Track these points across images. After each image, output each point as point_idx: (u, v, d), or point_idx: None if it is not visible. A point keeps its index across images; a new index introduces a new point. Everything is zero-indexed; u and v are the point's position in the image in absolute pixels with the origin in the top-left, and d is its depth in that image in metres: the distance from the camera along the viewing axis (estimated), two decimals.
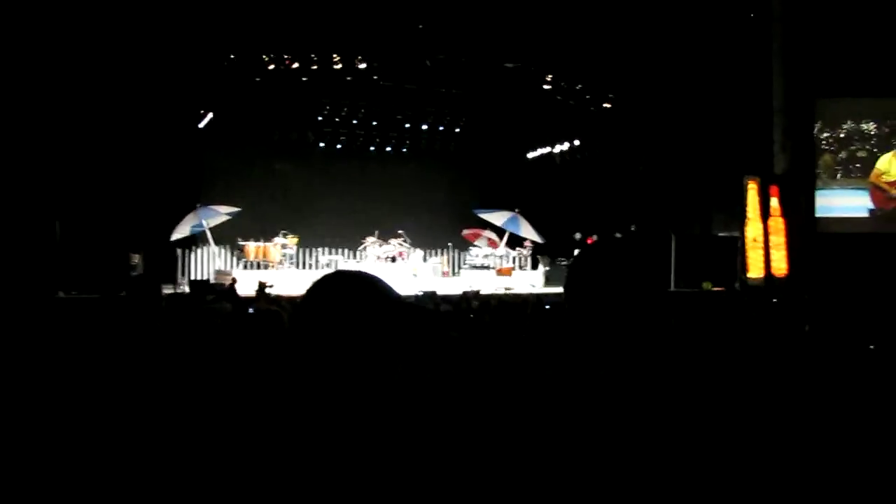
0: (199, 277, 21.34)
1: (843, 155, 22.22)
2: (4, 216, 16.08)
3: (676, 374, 1.99)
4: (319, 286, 2.00)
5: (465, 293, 15.43)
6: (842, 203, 21.99)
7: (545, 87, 22.78)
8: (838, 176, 22.20)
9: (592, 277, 2.09)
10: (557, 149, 27.17)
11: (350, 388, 1.86)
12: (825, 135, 22.18)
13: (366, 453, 1.80)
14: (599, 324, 2.04)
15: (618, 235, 23.99)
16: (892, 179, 22.01)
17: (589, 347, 2.04)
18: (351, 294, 1.96)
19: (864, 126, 22.16)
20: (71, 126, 18.37)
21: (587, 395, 1.96)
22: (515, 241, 25.11)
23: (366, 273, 2.10)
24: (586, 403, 1.94)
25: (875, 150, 22.17)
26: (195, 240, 22.16)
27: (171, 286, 19.43)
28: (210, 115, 22.44)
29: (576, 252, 25.03)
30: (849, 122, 22.21)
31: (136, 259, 19.19)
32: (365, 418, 1.85)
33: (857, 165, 22.20)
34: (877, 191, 22.03)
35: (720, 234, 21.97)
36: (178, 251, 21.13)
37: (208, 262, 22.44)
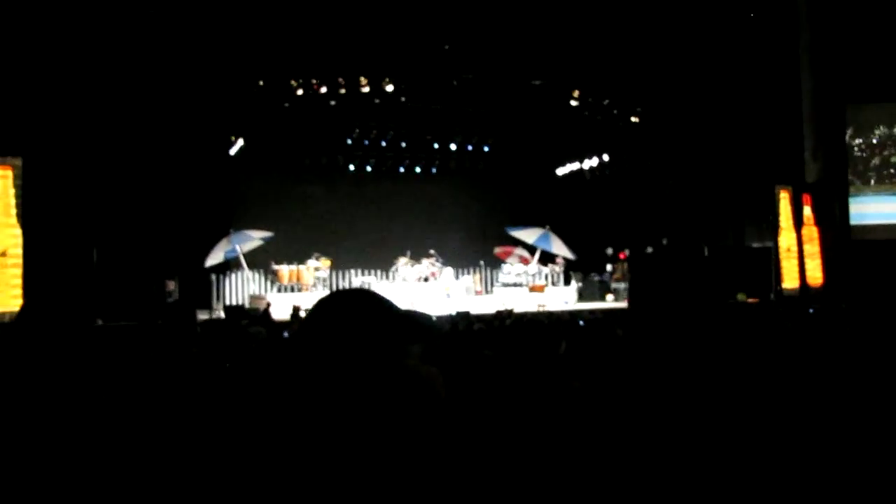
0: (233, 302, 21.46)
1: (875, 161, 22.02)
2: (43, 243, 16.28)
3: (729, 383, 2.00)
4: (322, 304, 2.04)
5: (498, 312, 15.41)
6: (877, 210, 21.77)
7: (572, 102, 22.76)
8: (872, 182, 21.99)
9: (658, 288, 2.11)
10: (587, 164, 27.12)
11: (353, 400, 1.89)
12: (857, 141, 21.99)
13: (371, 464, 1.83)
14: (664, 334, 2.05)
15: (649, 250, 23.87)
16: None
17: (651, 360, 2.05)
18: (352, 309, 1.99)
19: None
20: (106, 153, 18.60)
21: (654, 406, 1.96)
22: (547, 258, 25.05)
23: (367, 289, 2.11)
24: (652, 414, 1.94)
25: None
26: (229, 265, 22.31)
27: (206, 312, 19.58)
28: (241, 142, 22.65)
29: (610, 267, 25.01)
30: (881, 127, 22.03)
31: (171, 285, 19.35)
32: (367, 429, 1.87)
33: (891, 171, 21.99)
34: None
35: (753, 245, 21.79)
36: (213, 277, 21.30)
37: (243, 287, 22.57)
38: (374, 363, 1.94)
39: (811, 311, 12.64)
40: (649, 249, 23.75)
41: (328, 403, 1.90)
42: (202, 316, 17.70)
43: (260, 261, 22.62)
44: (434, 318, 3.60)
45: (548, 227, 24.75)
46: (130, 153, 19.24)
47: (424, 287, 22.92)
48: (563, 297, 23.71)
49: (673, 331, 2.03)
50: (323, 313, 2.01)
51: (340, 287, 23.81)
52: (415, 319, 2.06)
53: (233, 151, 22.79)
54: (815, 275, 20.48)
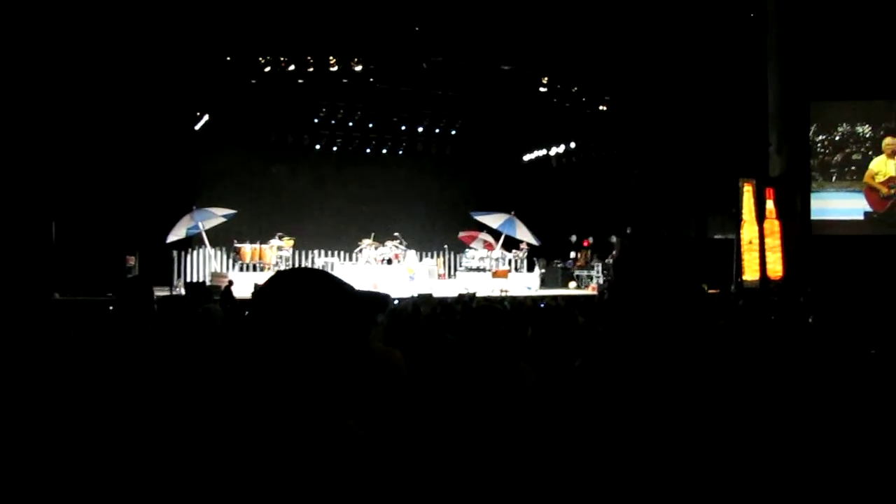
0: (195, 279, 21.26)
1: (837, 157, 22.29)
2: (0, 217, 16.02)
3: (710, 373, 1.98)
4: (272, 282, 2.01)
5: (461, 295, 15.37)
6: (837, 206, 22.09)
7: (541, 89, 22.77)
8: (833, 178, 22.28)
9: (639, 276, 2.08)
10: (553, 151, 27.18)
11: (312, 380, 1.87)
12: (820, 137, 22.25)
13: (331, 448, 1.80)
14: (644, 322, 2.02)
15: (613, 239, 23.99)
16: (884, 179, 22.12)
17: (629, 348, 2.02)
18: (304, 288, 1.96)
19: (859, 129, 22.26)
20: (67, 128, 18.31)
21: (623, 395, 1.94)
22: (511, 244, 25.07)
23: (318, 269, 2.09)
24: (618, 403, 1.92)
25: (870, 152, 22.28)
26: (191, 242, 22.10)
27: (167, 288, 19.37)
28: (206, 118, 22.40)
29: (573, 254, 25.11)
30: (843, 125, 22.31)
31: (132, 261, 19.13)
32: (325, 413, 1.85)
33: (852, 168, 22.29)
34: (871, 192, 22.15)
35: (716, 237, 21.97)
36: (175, 253, 21.06)
37: (204, 264, 22.36)
38: (333, 344, 1.90)
39: (774, 299, 12.76)
40: (613, 238, 23.88)
41: (287, 383, 1.86)
42: (162, 293, 17.51)
43: (222, 238, 22.42)
44: (391, 298, 3.59)
45: (512, 212, 24.77)
46: (93, 127, 18.96)
47: (388, 269, 22.86)
48: (526, 283, 23.76)
49: (660, 320, 2.00)
50: (275, 292, 1.97)
51: (299, 267, 23.72)
52: (370, 299, 2.04)
53: (198, 127, 22.55)
54: (776, 268, 20.69)
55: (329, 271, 2.09)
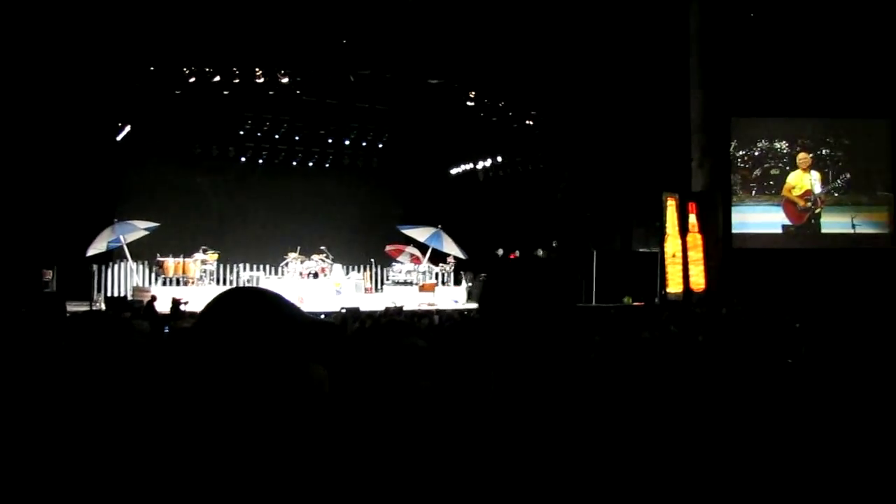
0: (116, 294, 20.81)
1: (757, 172, 22.87)
2: None
3: (592, 385, 1.97)
4: (218, 303, 1.99)
5: (387, 309, 15.33)
6: (757, 219, 22.67)
7: (468, 103, 22.87)
8: (753, 192, 22.86)
9: (504, 293, 2.06)
10: (480, 165, 27.33)
11: (245, 402, 1.86)
12: (741, 153, 22.82)
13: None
14: (510, 338, 2.00)
15: (539, 252, 24.17)
16: (800, 193, 22.79)
17: (499, 360, 2.00)
18: (251, 310, 1.94)
19: (777, 145, 22.90)
20: None
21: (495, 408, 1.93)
22: (438, 257, 25.09)
23: (267, 290, 2.06)
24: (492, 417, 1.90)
25: (787, 167, 22.94)
26: (112, 255, 21.61)
27: (86, 303, 18.89)
28: (128, 128, 21.93)
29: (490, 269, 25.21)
30: (762, 141, 22.93)
31: (48, 275, 18.62)
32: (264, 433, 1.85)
33: (771, 182, 22.91)
34: (789, 204, 22.81)
35: (640, 250, 22.30)
36: (94, 267, 20.56)
37: (126, 279, 21.89)
38: (268, 365, 1.89)
39: (697, 311, 12.99)
40: (540, 252, 24.05)
41: (211, 403, 1.84)
42: (81, 307, 17.06)
43: (145, 252, 21.97)
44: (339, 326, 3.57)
45: (439, 226, 24.79)
46: (9, 135, 18.42)
47: (314, 283, 22.68)
48: (453, 297, 23.78)
49: (520, 335, 1.99)
50: (223, 312, 1.95)
51: (230, 281, 23.42)
52: (322, 327, 2.03)
53: (119, 137, 22.06)
54: (698, 280, 21.06)
55: (279, 294, 2.05)
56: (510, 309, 1.99)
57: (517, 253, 25.37)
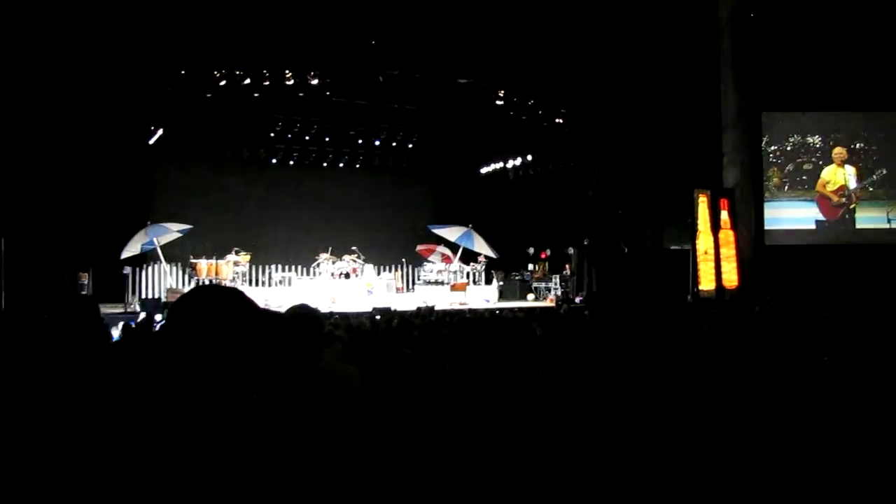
0: (150, 296, 20.99)
1: (790, 167, 22.63)
2: None
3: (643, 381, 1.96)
4: (185, 300, 2.07)
5: (419, 309, 15.33)
6: (790, 215, 22.43)
7: (498, 102, 22.81)
8: (786, 188, 22.62)
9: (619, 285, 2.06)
10: (510, 164, 27.26)
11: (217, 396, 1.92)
12: (773, 148, 22.59)
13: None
14: (625, 332, 2.00)
15: (571, 250, 24.09)
16: (835, 188, 22.51)
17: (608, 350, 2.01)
18: (215, 306, 2.02)
19: (810, 139, 22.63)
20: (17, 142, 17.96)
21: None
22: (469, 257, 25.07)
23: (230, 287, 2.14)
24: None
25: (821, 162, 22.67)
26: (146, 258, 21.81)
27: (121, 305, 19.07)
28: (161, 132, 22.14)
29: (531, 266, 25.15)
30: (795, 136, 22.68)
31: (84, 278, 18.83)
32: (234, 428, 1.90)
33: (804, 177, 22.66)
34: (823, 200, 22.55)
35: (672, 247, 22.13)
36: (129, 269, 20.76)
37: (160, 281, 22.08)
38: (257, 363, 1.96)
39: (728, 308, 12.86)
40: (570, 250, 23.96)
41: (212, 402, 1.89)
42: (116, 310, 17.24)
43: (178, 254, 22.16)
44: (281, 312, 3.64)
45: (470, 225, 24.79)
46: (45, 140, 18.62)
47: (346, 284, 22.74)
48: (485, 296, 23.75)
49: (639, 327, 1.99)
50: (187, 310, 2.03)
51: (262, 283, 23.54)
52: (271, 316, 2.09)
53: (152, 141, 22.28)
54: (731, 277, 20.87)
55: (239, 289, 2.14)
56: (626, 301, 1.99)
57: (548, 251, 25.33)
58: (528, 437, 1.94)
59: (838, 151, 22.58)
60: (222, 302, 2.02)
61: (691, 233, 20.95)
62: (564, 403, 1.98)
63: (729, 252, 20.96)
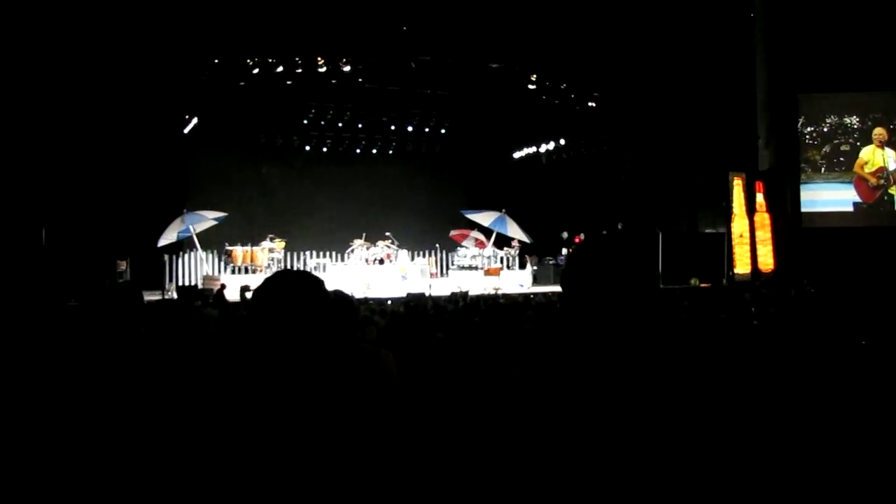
0: (187, 283, 21.22)
1: (826, 149, 22.36)
2: None
3: (671, 367, 1.98)
4: (268, 285, 2.20)
5: (453, 294, 15.40)
6: (826, 197, 22.15)
7: (530, 86, 22.75)
8: (822, 170, 22.35)
9: (587, 274, 2.07)
10: (543, 148, 27.18)
11: (305, 381, 2.05)
12: (808, 129, 22.32)
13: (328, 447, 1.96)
14: (593, 320, 2.01)
15: (604, 233, 23.99)
16: (873, 169, 22.19)
17: (583, 344, 2.02)
18: (298, 291, 2.16)
19: (847, 120, 22.31)
20: (56, 133, 18.23)
21: (581, 391, 1.94)
22: (503, 241, 25.06)
23: (309, 273, 2.30)
24: (580, 400, 1.92)
25: (858, 143, 22.34)
26: (182, 245, 22.04)
27: (158, 292, 19.31)
28: (195, 121, 22.33)
29: (565, 251, 25.10)
30: (831, 117, 22.36)
31: (123, 265, 19.09)
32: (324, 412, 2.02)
33: (841, 159, 22.37)
34: (860, 182, 22.23)
35: (707, 231, 22.00)
36: (166, 257, 21.01)
37: (196, 268, 22.30)
38: (325, 345, 2.08)
39: (763, 292, 12.80)
40: (604, 233, 23.88)
41: (282, 385, 1.99)
42: (154, 297, 17.46)
43: (213, 241, 22.35)
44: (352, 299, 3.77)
45: (504, 210, 24.77)
46: (82, 131, 18.88)
47: (380, 269, 22.83)
48: (519, 281, 23.76)
49: (604, 317, 2.00)
50: (268, 296, 2.15)
51: (297, 269, 23.68)
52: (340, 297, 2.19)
53: (187, 130, 22.48)
54: (767, 261, 20.74)
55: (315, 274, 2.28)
56: (595, 288, 2.01)
57: (581, 236, 25.25)
58: (555, 424, 1.98)
59: (878, 132, 22.23)
60: (303, 288, 2.14)
61: (726, 216, 20.83)
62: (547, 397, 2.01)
63: (765, 235, 20.83)
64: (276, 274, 2.28)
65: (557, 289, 21.87)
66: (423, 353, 4.80)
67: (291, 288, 2.17)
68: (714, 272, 20.46)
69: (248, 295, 11.43)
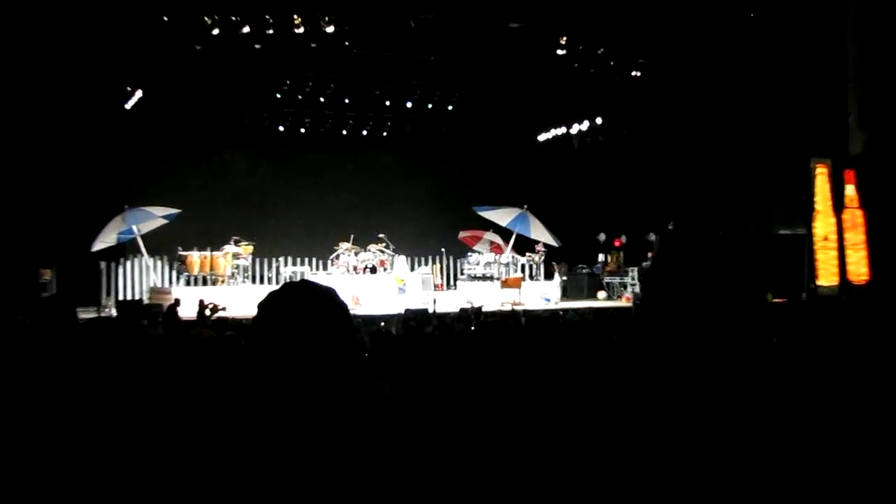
0: (129, 297, 21.23)
1: None
2: None
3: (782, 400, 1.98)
4: (275, 298, 2.34)
5: (463, 310, 15.36)
6: None
7: (559, 52, 22.69)
8: None
9: (682, 281, 2.05)
10: (575, 129, 27.15)
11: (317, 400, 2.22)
12: None
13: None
14: (685, 339, 2.00)
15: (652, 237, 23.96)
16: None
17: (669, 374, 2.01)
18: (310, 306, 2.31)
19: None
20: None
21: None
22: (525, 245, 25.06)
23: (321, 285, 2.44)
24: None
25: None
26: (124, 250, 22.04)
27: (93, 309, 19.30)
28: (139, 93, 22.28)
29: (602, 257, 25.06)
30: None
31: (47, 275, 19.07)
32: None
33: None
34: None
35: (781, 232, 21.95)
36: (103, 265, 21.03)
37: (141, 279, 22.32)
38: (332, 377, 2.29)
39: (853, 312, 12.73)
40: (652, 236, 23.85)
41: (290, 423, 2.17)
42: (87, 314, 17.46)
43: (163, 245, 22.35)
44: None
45: (525, 206, 24.73)
46: None
47: (371, 280, 22.82)
48: (544, 294, 23.73)
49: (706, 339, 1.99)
50: (280, 315, 2.31)
51: (268, 279, 23.70)
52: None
53: (129, 105, 22.44)
54: (859, 270, 20.62)
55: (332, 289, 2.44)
56: (684, 299, 1.99)
57: (624, 239, 25.24)
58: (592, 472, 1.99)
59: None
60: (314, 304, 2.27)
61: (807, 214, 20.77)
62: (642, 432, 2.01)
63: (856, 238, 20.72)
64: (285, 287, 2.41)
65: (593, 304, 21.88)
66: (424, 388, 4.79)
67: (309, 306, 2.30)
68: (791, 284, 20.39)
69: (221, 314, 11.44)
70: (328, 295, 2.36)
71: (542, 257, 25.09)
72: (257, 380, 2.22)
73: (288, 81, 24.24)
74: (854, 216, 20.67)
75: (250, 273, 22.96)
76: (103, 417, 2.95)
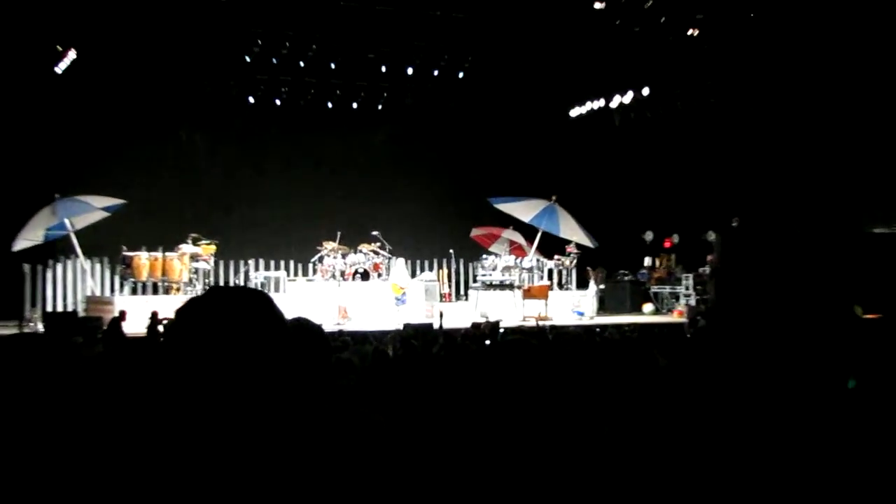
0: (59, 309, 21.19)
1: None
2: None
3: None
4: (195, 304, 2.34)
5: (475, 325, 15.30)
6: None
7: (596, 5, 22.61)
8: None
9: (745, 294, 1.98)
10: (616, 102, 27.07)
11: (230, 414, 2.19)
12: None
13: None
14: (751, 364, 1.94)
15: (712, 237, 23.89)
16: None
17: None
18: (235, 314, 2.29)
19: None
20: None
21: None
22: (552, 246, 25.01)
23: (255, 290, 2.44)
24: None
25: None
26: (53, 250, 22.00)
27: (13, 324, 19.24)
28: (73, 54, 22.17)
29: (649, 260, 25.00)
30: None
31: None
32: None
33: None
34: None
35: (876, 231, 21.87)
36: (26, 268, 20.99)
37: (75, 285, 22.29)
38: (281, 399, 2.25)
39: None
40: (708, 237, 23.78)
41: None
42: (5, 329, 17.43)
43: (104, 244, 22.31)
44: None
45: (554, 198, 24.66)
46: None
47: (363, 288, 22.78)
48: (576, 306, 23.67)
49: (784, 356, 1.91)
50: (195, 324, 2.28)
51: (229, 285, 23.64)
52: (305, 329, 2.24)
53: (60, 69, 22.32)
54: None
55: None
56: (753, 316, 1.94)
57: (675, 238, 25.16)
58: None
59: None
60: (243, 310, 2.27)
61: None
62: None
63: None
64: (209, 292, 2.39)
65: (636, 319, 21.80)
66: (427, 421, 4.72)
67: (230, 311, 2.26)
68: (888, 296, 20.31)
69: (161, 328, 11.45)
70: (263, 303, 2.33)
71: (574, 261, 25.02)
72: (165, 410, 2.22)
73: (259, 41, 24.11)
74: None
75: (212, 278, 22.87)
76: (21, 459, 2.92)
